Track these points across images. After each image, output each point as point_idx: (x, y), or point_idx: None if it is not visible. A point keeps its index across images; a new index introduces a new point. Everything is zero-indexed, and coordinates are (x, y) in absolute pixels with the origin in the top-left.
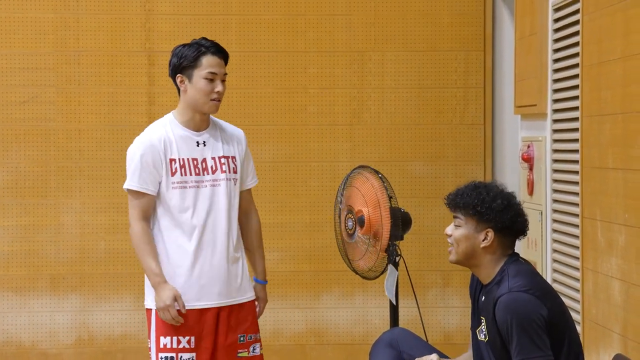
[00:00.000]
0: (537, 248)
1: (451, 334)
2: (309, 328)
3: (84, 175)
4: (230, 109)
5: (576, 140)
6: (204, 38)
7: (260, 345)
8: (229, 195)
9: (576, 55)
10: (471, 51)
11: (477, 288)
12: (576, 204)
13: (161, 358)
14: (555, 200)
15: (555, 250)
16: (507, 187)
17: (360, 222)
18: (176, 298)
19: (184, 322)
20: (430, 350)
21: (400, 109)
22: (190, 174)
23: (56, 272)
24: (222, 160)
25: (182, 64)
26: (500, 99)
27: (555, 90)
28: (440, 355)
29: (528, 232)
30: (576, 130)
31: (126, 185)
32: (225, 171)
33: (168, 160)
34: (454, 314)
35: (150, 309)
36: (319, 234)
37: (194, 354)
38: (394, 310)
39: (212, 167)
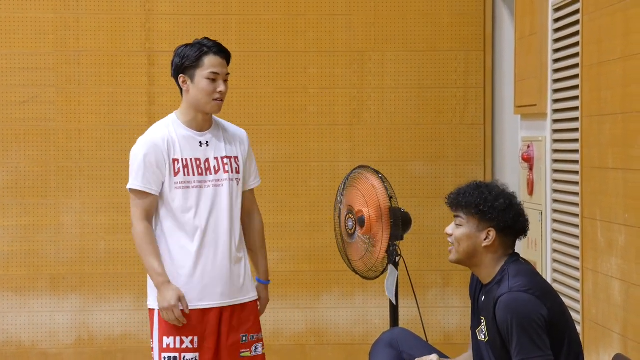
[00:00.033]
0: (537, 248)
1: (451, 334)
2: (309, 328)
3: (84, 175)
4: (231, 109)
5: (576, 140)
6: (206, 38)
7: (263, 345)
8: (232, 196)
9: (576, 55)
10: (471, 51)
11: (477, 288)
12: (576, 204)
13: (164, 358)
14: (555, 200)
15: (555, 250)
16: (508, 187)
17: (361, 222)
18: (180, 298)
19: (186, 322)
20: (430, 350)
21: (400, 109)
22: (193, 174)
23: (56, 272)
24: (225, 160)
25: (184, 64)
26: (500, 99)
27: (555, 90)
28: (440, 355)
29: (528, 232)
30: (576, 130)
31: (129, 185)
32: (228, 171)
33: (171, 161)
34: (454, 314)
35: (153, 309)
36: (319, 234)
37: (197, 354)
38: (394, 310)
39: (214, 167)
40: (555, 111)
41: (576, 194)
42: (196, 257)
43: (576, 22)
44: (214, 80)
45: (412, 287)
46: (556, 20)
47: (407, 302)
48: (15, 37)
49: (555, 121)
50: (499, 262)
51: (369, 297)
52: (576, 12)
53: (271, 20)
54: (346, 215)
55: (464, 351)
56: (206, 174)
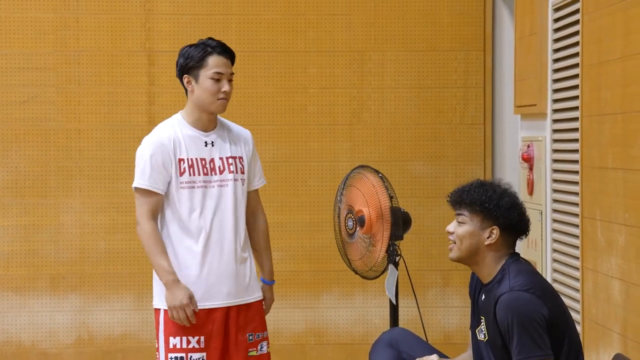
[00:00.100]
0: (537, 248)
1: (451, 334)
2: (308, 328)
3: (84, 175)
4: (230, 109)
5: (576, 140)
6: (210, 38)
7: (267, 343)
8: (237, 196)
9: (576, 55)
10: (471, 51)
11: (477, 287)
12: (576, 204)
13: (171, 358)
14: (555, 200)
15: (555, 250)
16: (512, 186)
17: (361, 221)
18: (190, 297)
19: (186, 324)
20: (430, 350)
21: (400, 108)
22: (199, 174)
23: (56, 272)
24: (230, 160)
25: (188, 64)
26: (500, 99)
27: (555, 90)
28: (440, 355)
29: (529, 232)
30: (576, 130)
31: (135, 184)
32: (232, 171)
33: (177, 160)
34: (453, 313)
35: (159, 309)
36: (319, 233)
37: (204, 354)
38: (394, 310)
39: (219, 167)
40: (555, 111)
41: (576, 193)
42: (202, 258)
43: (576, 22)
44: (218, 80)
45: (412, 287)
46: (556, 20)
47: (407, 301)
48: (15, 37)
49: (555, 121)
50: (500, 261)
51: (369, 297)
52: (576, 12)
53: (271, 20)
54: (346, 215)
55: (464, 351)
56: (211, 174)
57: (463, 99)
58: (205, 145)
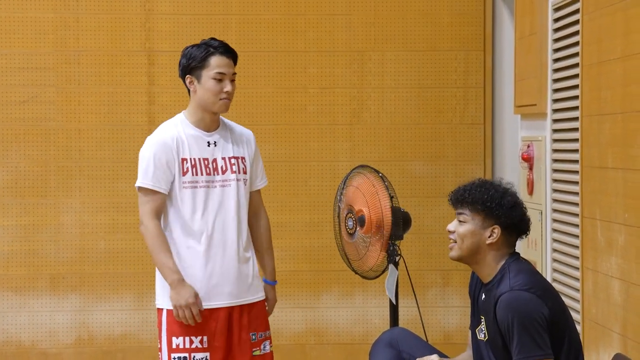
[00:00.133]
0: (537, 248)
1: (451, 334)
2: (308, 328)
3: (83, 175)
4: (230, 109)
5: (576, 140)
6: (212, 38)
7: (270, 342)
8: (239, 196)
9: (576, 55)
10: (471, 51)
11: (476, 287)
12: (576, 204)
13: (174, 358)
14: (555, 200)
15: (555, 250)
16: (513, 185)
17: (361, 221)
18: (195, 296)
19: (192, 323)
20: (431, 350)
21: (400, 108)
22: (202, 174)
23: (56, 272)
24: (232, 160)
25: (190, 64)
26: (500, 99)
27: (555, 90)
28: (440, 355)
29: (530, 232)
30: (576, 130)
31: (139, 184)
32: (235, 172)
33: (180, 160)
34: (453, 313)
35: (162, 309)
36: (319, 233)
37: (207, 354)
38: (394, 309)
39: (222, 167)
40: (555, 111)
41: (576, 193)
42: (204, 258)
43: (576, 22)
44: (220, 81)
45: (412, 286)
46: (556, 20)
47: (407, 301)
48: (15, 37)
49: (555, 121)
50: (500, 260)
51: (369, 297)
52: (576, 11)
53: (271, 20)
54: (346, 215)
55: (464, 351)
56: (214, 174)
57: (463, 99)
58: (208, 145)
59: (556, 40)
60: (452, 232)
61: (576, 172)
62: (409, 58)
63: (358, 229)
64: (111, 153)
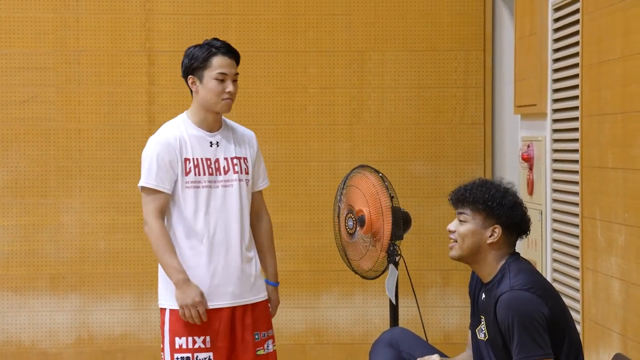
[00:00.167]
0: (537, 248)
1: (451, 334)
2: (308, 328)
3: (83, 175)
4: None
5: (576, 140)
6: (215, 39)
7: (273, 341)
8: (241, 196)
9: (576, 55)
10: (471, 51)
11: (476, 287)
12: (576, 204)
13: (177, 358)
14: (555, 200)
15: (555, 250)
16: (514, 185)
17: (361, 221)
18: (201, 295)
19: (198, 322)
20: (431, 349)
21: (400, 108)
22: (204, 174)
23: (56, 272)
24: (235, 161)
25: (193, 65)
26: (500, 99)
27: (555, 90)
28: (441, 355)
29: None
30: (576, 130)
31: (142, 183)
32: (237, 172)
33: (183, 160)
34: (453, 313)
35: (165, 309)
36: (319, 233)
37: (210, 354)
38: (394, 309)
39: (224, 167)
40: (555, 111)
41: (576, 193)
42: (207, 258)
43: (576, 22)
44: (222, 81)
45: (412, 286)
46: (556, 20)
47: (407, 301)
48: (15, 37)
49: (555, 121)
50: (501, 260)
51: (369, 297)
52: (576, 11)
53: (271, 20)
54: (346, 215)
55: (464, 351)
56: (216, 174)
57: (463, 99)
58: (211, 146)
59: (556, 40)
60: (453, 232)
61: (576, 172)
62: (409, 58)
63: (358, 229)
64: (111, 153)
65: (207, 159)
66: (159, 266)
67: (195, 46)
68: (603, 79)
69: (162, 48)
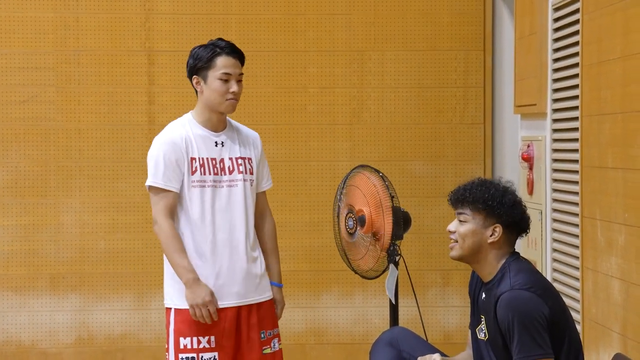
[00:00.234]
0: (537, 247)
1: (451, 333)
2: (308, 327)
3: (83, 175)
4: None
5: (576, 140)
6: (220, 39)
7: (279, 340)
8: (246, 196)
9: (576, 54)
10: (471, 50)
11: (476, 286)
12: (576, 204)
13: (181, 359)
14: (555, 200)
15: (555, 250)
16: (513, 183)
17: (361, 221)
18: (211, 295)
19: (209, 321)
20: (431, 349)
21: (400, 108)
22: (209, 174)
23: (56, 272)
24: (239, 161)
25: (197, 65)
26: (500, 99)
27: (555, 90)
28: (441, 354)
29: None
30: (576, 129)
31: (149, 183)
32: (242, 172)
33: (189, 159)
34: (453, 313)
35: (170, 308)
36: (319, 233)
37: (215, 354)
38: (394, 309)
39: (229, 167)
40: (555, 110)
41: (576, 193)
42: (212, 257)
43: (576, 22)
44: (226, 81)
45: (412, 286)
46: (556, 20)
47: (407, 301)
48: (15, 37)
49: (555, 120)
50: (501, 259)
51: (369, 297)
52: (576, 11)
53: (271, 19)
54: (346, 215)
55: (464, 350)
56: (221, 174)
57: (463, 99)
58: (216, 145)
59: (556, 40)
60: (453, 232)
61: (576, 172)
62: (409, 58)
63: (358, 228)
64: (111, 153)
65: (212, 159)
66: (164, 266)
67: (200, 46)
68: (603, 79)
69: (162, 48)
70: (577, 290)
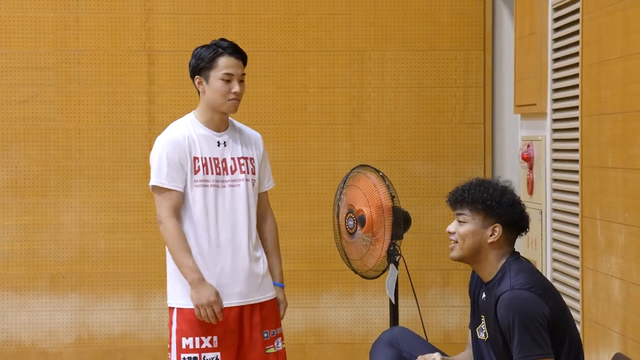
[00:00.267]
0: (537, 247)
1: (451, 333)
2: (308, 327)
3: (83, 175)
4: None
5: (576, 140)
6: (222, 39)
7: (282, 339)
8: (248, 196)
9: (576, 54)
10: (471, 50)
11: (477, 286)
12: (576, 203)
13: (184, 359)
14: (555, 200)
15: (555, 250)
16: (511, 183)
17: (361, 221)
18: (217, 294)
19: (204, 322)
20: (431, 349)
21: (400, 108)
22: (212, 173)
23: (56, 272)
24: (242, 161)
25: (199, 65)
26: (500, 98)
27: (555, 90)
28: (441, 354)
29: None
30: (576, 129)
31: (153, 182)
32: (244, 172)
33: (192, 158)
34: (453, 313)
35: (173, 308)
36: (319, 233)
37: (218, 354)
38: (394, 309)
39: (231, 167)
40: (555, 110)
41: (576, 193)
42: (214, 257)
43: (576, 22)
44: (228, 81)
45: (412, 286)
46: (556, 20)
47: (407, 301)
48: (15, 37)
49: (555, 120)
50: (501, 259)
51: (369, 297)
52: (576, 11)
53: (271, 19)
54: (347, 215)
55: (464, 350)
56: (223, 174)
57: (463, 99)
58: (218, 145)
59: (556, 40)
60: (453, 233)
61: (576, 171)
62: (408, 58)
63: (358, 228)
64: (111, 153)
65: (214, 159)
66: (168, 265)
67: (203, 46)
68: (603, 79)
69: (162, 48)
70: (577, 290)
